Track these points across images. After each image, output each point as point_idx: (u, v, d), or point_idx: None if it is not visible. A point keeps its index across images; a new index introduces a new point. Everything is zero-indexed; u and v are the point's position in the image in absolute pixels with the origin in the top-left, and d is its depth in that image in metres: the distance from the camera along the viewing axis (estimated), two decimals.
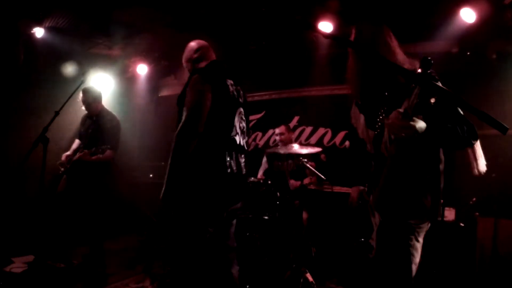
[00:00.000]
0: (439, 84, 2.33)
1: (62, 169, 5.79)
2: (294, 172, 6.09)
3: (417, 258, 2.77)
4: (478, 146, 2.70)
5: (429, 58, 2.29)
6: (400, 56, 2.83)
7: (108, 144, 5.50)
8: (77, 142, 6.09)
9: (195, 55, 3.67)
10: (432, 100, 2.15)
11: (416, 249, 2.76)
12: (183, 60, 3.80)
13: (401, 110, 2.48)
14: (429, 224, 2.83)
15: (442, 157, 2.83)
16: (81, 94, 5.83)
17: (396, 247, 2.78)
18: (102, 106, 6.05)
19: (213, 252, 3.35)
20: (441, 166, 2.82)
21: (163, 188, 3.09)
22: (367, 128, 3.08)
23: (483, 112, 1.50)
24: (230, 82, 3.42)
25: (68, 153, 5.91)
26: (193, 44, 3.75)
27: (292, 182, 5.89)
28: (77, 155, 5.70)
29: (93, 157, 5.48)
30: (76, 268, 5.68)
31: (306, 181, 6.06)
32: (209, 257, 3.33)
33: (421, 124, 2.47)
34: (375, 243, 3.02)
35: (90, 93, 5.86)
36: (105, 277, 5.43)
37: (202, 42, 3.77)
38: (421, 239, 2.80)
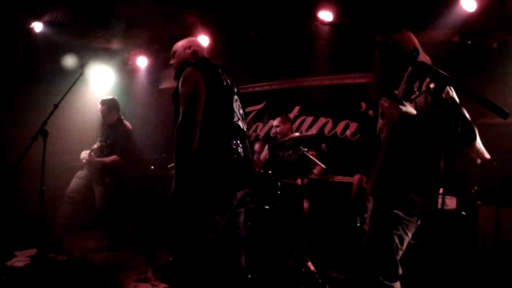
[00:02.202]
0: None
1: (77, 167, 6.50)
2: (296, 163, 6.09)
3: (400, 249, 2.81)
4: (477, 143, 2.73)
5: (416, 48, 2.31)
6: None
7: (114, 151, 6.29)
8: (97, 143, 6.50)
9: (186, 51, 3.65)
10: (432, 85, 2.15)
11: (401, 239, 2.79)
12: (172, 59, 3.75)
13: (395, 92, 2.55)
14: (419, 221, 2.86)
15: (442, 157, 2.87)
16: (98, 105, 6.42)
17: (382, 233, 2.82)
18: (119, 117, 6.59)
19: (223, 243, 3.33)
20: (437, 165, 2.86)
21: (173, 186, 3.05)
22: (380, 117, 3.12)
23: (483, 97, 1.50)
24: (220, 70, 3.40)
25: (85, 151, 6.46)
26: (183, 41, 3.73)
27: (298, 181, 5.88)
28: (88, 157, 6.33)
29: (97, 159, 6.25)
30: (78, 260, 5.70)
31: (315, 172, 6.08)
32: (219, 249, 3.31)
33: (408, 109, 2.54)
34: (368, 228, 3.06)
35: (106, 104, 6.46)
36: (107, 269, 5.45)
37: (192, 38, 3.78)
38: (409, 234, 2.83)
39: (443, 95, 2.65)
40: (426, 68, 1.83)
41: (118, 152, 6.31)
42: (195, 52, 3.63)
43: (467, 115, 2.65)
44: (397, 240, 2.78)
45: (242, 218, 3.52)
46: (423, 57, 2.81)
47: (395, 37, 2.97)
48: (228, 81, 3.43)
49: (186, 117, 3.06)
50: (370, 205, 3.09)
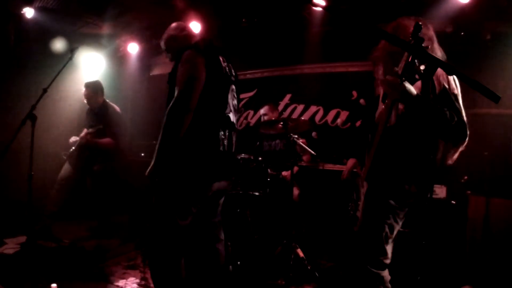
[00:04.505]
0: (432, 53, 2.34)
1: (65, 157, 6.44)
2: (283, 152, 6.09)
3: (390, 238, 2.83)
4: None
5: (420, 23, 2.29)
6: None
7: (106, 135, 6.17)
8: (84, 131, 6.41)
9: (182, 34, 3.60)
10: (422, 67, 2.16)
11: (392, 228, 2.80)
12: (164, 41, 3.69)
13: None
14: (407, 210, 2.87)
15: (441, 148, 2.86)
16: (83, 89, 6.31)
17: (373, 221, 2.83)
18: (104, 99, 6.46)
19: (197, 231, 3.34)
20: (435, 156, 2.85)
21: (151, 164, 3.02)
22: (381, 103, 3.11)
23: (475, 81, 1.49)
24: (222, 58, 3.35)
25: (74, 137, 6.41)
26: (175, 24, 3.69)
27: (285, 173, 5.86)
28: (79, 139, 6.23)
29: (94, 140, 6.18)
30: (68, 247, 5.68)
31: (305, 159, 6.08)
32: (193, 235, 3.31)
33: (409, 86, 2.52)
34: (360, 215, 3.07)
35: (90, 87, 6.31)
36: (97, 255, 5.43)
37: (183, 23, 3.71)
38: (400, 222, 2.85)
39: (449, 88, 2.68)
40: (422, 52, 1.82)
41: (111, 134, 6.24)
42: (189, 34, 3.61)
43: (464, 114, 2.64)
44: (387, 229, 2.80)
45: (220, 208, 3.54)
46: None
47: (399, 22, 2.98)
48: (227, 69, 3.38)
49: (180, 100, 3.01)
50: (363, 191, 3.10)
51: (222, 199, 3.55)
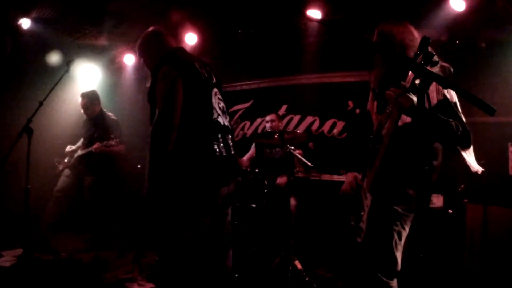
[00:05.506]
0: (431, 68, 2.34)
1: (60, 166, 6.57)
2: (283, 160, 6.08)
3: (399, 245, 2.82)
4: (469, 153, 2.74)
5: (427, 37, 2.30)
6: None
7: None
8: (80, 141, 6.61)
9: (154, 46, 3.47)
10: (417, 81, 2.18)
11: (400, 235, 2.80)
12: (138, 53, 3.61)
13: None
14: (413, 216, 2.87)
15: (440, 155, 2.89)
16: (79, 99, 6.36)
17: (381, 229, 2.84)
18: (101, 108, 6.51)
19: (209, 244, 3.29)
20: (436, 162, 2.87)
21: (146, 186, 3.00)
22: (377, 114, 3.12)
23: (470, 93, 1.49)
24: (198, 64, 3.30)
25: (70, 146, 6.61)
26: (147, 33, 3.55)
27: (279, 180, 5.87)
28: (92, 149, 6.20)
29: (109, 148, 6.13)
30: (65, 260, 5.65)
31: (295, 170, 6.07)
32: (205, 249, 3.27)
33: (416, 99, 2.53)
34: (365, 225, 3.06)
35: (87, 97, 6.36)
36: (94, 268, 5.41)
37: (156, 28, 3.57)
38: (407, 228, 2.85)
39: (449, 97, 2.70)
40: (421, 69, 1.83)
41: (119, 140, 6.25)
42: (163, 43, 3.48)
43: (465, 122, 2.67)
44: (396, 236, 2.80)
45: (229, 218, 3.49)
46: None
47: (392, 29, 2.96)
48: (206, 74, 3.32)
49: (162, 119, 2.99)
50: (367, 202, 3.09)
51: (230, 208, 3.50)
